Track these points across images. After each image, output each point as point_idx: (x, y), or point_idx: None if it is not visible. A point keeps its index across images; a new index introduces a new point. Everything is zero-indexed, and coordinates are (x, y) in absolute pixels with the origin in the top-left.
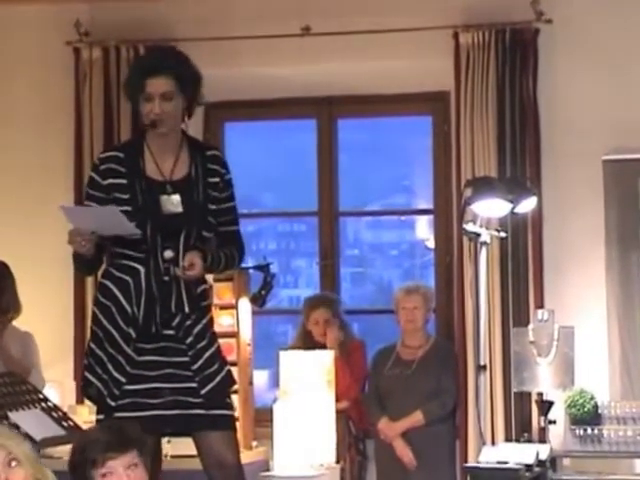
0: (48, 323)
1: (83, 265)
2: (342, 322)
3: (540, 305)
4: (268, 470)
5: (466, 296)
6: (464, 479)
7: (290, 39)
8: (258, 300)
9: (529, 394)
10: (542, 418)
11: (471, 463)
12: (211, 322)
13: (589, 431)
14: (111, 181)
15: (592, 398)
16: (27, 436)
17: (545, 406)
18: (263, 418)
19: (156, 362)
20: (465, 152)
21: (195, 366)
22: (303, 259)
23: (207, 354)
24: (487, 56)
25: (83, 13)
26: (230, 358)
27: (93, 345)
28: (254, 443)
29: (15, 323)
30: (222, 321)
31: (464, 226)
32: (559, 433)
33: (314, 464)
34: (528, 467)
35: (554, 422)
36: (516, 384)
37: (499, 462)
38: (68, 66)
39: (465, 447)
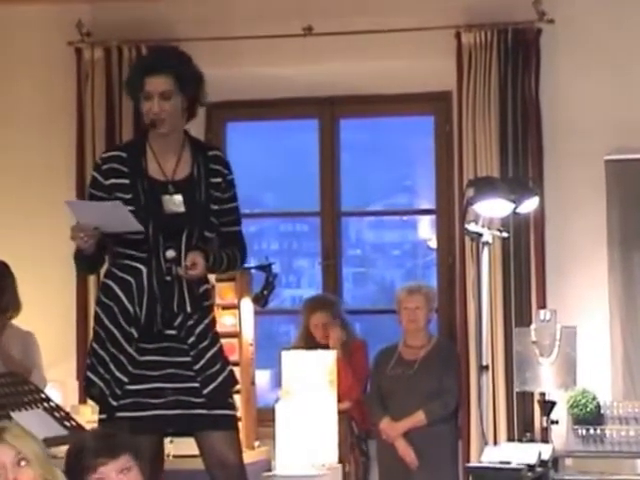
0: (50, 323)
1: (84, 263)
2: (343, 322)
3: (542, 305)
4: (270, 470)
5: (468, 296)
6: (466, 479)
7: (292, 39)
8: (260, 300)
9: (531, 394)
10: (544, 418)
11: (473, 463)
12: (213, 322)
13: (591, 431)
14: (113, 181)
15: (594, 398)
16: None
17: (547, 406)
18: (265, 418)
19: (158, 362)
20: (467, 152)
21: (197, 366)
22: (305, 259)
23: (209, 354)
24: (489, 56)
25: (85, 13)
26: (232, 358)
27: (95, 345)
28: (256, 443)
29: (17, 323)
30: (224, 321)
31: (466, 226)
32: (561, 433)
33: (316, 464)
34: (530, 467)
35: (556, 422)
36: (518, 384)
37: (501, 462)
38: (70, 66)
39: (467, 447)
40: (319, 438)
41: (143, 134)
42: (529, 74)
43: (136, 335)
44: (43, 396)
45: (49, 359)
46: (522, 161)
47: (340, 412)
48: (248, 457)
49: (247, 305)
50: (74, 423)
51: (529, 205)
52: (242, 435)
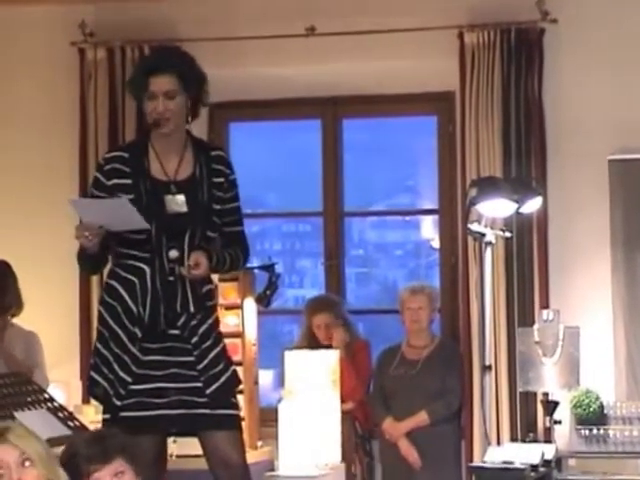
0: (54, 323)
1: (88, 263)
2: (346, 323)
3: (545, 305)
4: (273, 470)
5: (471, 296)
6: (469, 479)
7: (295, 39)
8: (263, 300)
9: (534, 394)
10: (547, 418)
11: (476, 463)
12: (217, 322)
13: (595, 431)
14: (116, 181)
15: (597, 398)
16: None
17: (550, 406)
18: (268, 418)
19: (161, 362)
20: (470, 152)
21: (200, 366)
22: (308, 259)
23: (212, 354)
24: (492, 56)
25: (88, 14)
26: (235, 358)
27: (99, 345)
28: (259, 443)
29: (20, 323)
30: (227, 321)
31: (469, 226)
32: (565, 433)
33: (319, 464)
34: (533, 467)
35: (559, 422)
36: (521, 384)
37: (504, 462)
38: (73, 66)
39: (470, 447)
40: (322, 438)
41: (145, 134)
42: (532, 74)
43: (140, 335)
44: (46, 396)
45: (52, 359)
46: (525, 161)
47: (344, 412)
48: (251, 457)
49: (250, 305)
50: (77, 423)
51: (532, 205)
52: (245, 435)
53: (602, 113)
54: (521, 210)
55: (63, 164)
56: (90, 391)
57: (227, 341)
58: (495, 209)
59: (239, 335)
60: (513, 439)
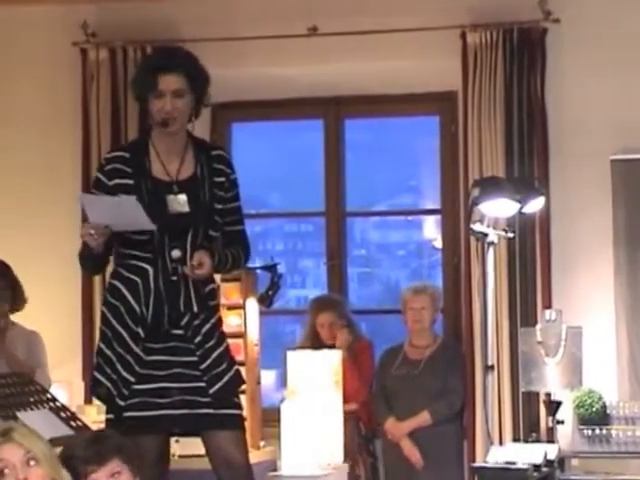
0: (56, 323)
1: (90, 263)
2: (349, 322)
3: (548, 305)
4: (275, 470)
5: (473, 296)
6: (472, 479)
7: (297, 39)
8: (265, 300)
9: (537, 394)
10: (550, 418)
11: (479, 463)
12: (220, 322)
13: (597, 431)
14: (117, 181)
15: (600, 398)
16: None
17: (553, 406)
18: (270, 418)
19: (165, 362)
20: (472, 152)
21: (203, 365)
22: (310, 259)
23: (215, 353)
24: (495, 56)
25: (90, 14)
26: (238, 358)
27: (102, 345)
28: (261, 443)
29: (22, 323)
30: (229, 321)
31: (471, 226)
32: (567, 433)
33: (322, 464)
34: (536, 467)
35: (562, 422)
36: (524, 384)
37: (507, 462)
38: (75, 67)
39: (473, 447)
40: (324, 438)
41: (146, 134)
42: (535, 74)
43: (143, 335)
44: (49, 396)
45: (55, 359)
46: (528, 161)
47: (347, 413)
48: (253, 457)
49: (252, 305)
50: (80, 423)
51: (535, 205)
52: (247, 435)
53: (605, 113)
54: (523, 210)
55: (65, 164)
56: (93, 391)
57: (229, 341)
58: (497, 209)
59: (241, 335)
60: (515, 439)
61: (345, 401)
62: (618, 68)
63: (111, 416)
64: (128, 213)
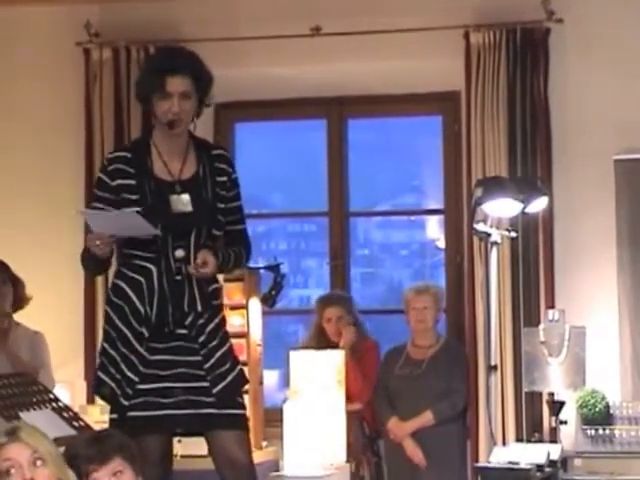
0: (58, 323)
1: (93, 265)
2: (356, 321)
3: (551, 305)
4: (278, 470)
5: (476, 296)
6: (475, 479)
7: (300, 39)
8: (268, 300)
9: (540, 394)
10: (553, 418)
11: (482, 463)
12: (223, 321)
13: (600, 431)
14: (120, 182)
15: (603, 398)
16: None
17: (556, 406)
18: (273, 418)
19: (169, 361)
20: (476, 152)
21: (207, 365)
22: (313, 259)
23: (219, 353)
24: (498, 56)
25: (93, 14)
26: (240, 358)
27: (106, 345)
28: (264, 443)
29: (26, 323)
30: (232, 321)
31: (475, 226)
32: (570, 433)
33: (324, 464)
34: (539, 467)
35: (565, 422)
36: (527, 384)
37: (510, 462)
38: (78, 67)
39: (476, 447)
40: (327, 438)
41: (148, 134)
42: (538, 74)
43: (147, 335)
44: (52, 396)
45: (57, 359)
46: (531, 161)
47: (351, 413)
48: (256, 457)
49: (255, 305)
50: (82, 423)
51: (538, 205)
52: (250, 435)
53: (608, 113)
54: (527, 210)
55: (69, 164)
56: (97, 391)
57: (232, 341)
58: (501, 209)
59: (244, 335)
60: (519, 439)
61: (349, 401)
62: (621, 68)
63: (115, 416)
64: (129, 224)
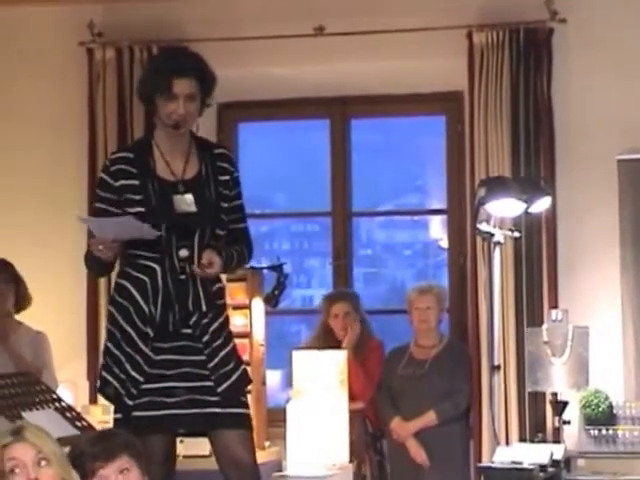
0: (61, 323)
1: (97, 267)
2: (363, 319)
3: (554, 305)
4: (281, 470)
5: (480, 296)
6: (478, 479)
7: (303, 39)
8: (271, 300)
9: (543, 394)
10: (556, 418)
11: (485, 463)
12: (227, 321)
13: (604, 431)
14: (123, 182)
15: (607, 398)
16: None
17: (559, 406)
18: (276, 418)
19: (173, 361)
20: (479, 152)
21: (211, 364)
22: (316, 259)
23: (223, 352)
24: (501, 56)
25: (96, 14)
26: (243, 358)
27: (110, 345)
28: (267, 443)
29: (28, 323)
30: (235, 321)
31: (478, 226)
32: (573, 433)
33: (327, 464)
34: (542, 467)
35: (568, 422)
36: (530, 384)
37: (513, 462)
38: (81, 67)
39: (479, 447)
40: (330, 438)
41: (149, 134)
42: (541, 74)
43: (151, 334)
44: (54, 396)
45: (60, 359)
46: (534, 161)
47: (354, 412)
48: (259, 457)
49: (258, 305)
50: (85, 423)
51: (541, 205)
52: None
53: (611, 113)
54: (530, 210)
55: (72, 164)
56: (101, 391)
57: (235, 341)
58: (504, 209)
59: (247, 335)
60: (522, 439)
61: (352, 399)
62: (625, 68)
63: (119, 416)
64: (129, 227)
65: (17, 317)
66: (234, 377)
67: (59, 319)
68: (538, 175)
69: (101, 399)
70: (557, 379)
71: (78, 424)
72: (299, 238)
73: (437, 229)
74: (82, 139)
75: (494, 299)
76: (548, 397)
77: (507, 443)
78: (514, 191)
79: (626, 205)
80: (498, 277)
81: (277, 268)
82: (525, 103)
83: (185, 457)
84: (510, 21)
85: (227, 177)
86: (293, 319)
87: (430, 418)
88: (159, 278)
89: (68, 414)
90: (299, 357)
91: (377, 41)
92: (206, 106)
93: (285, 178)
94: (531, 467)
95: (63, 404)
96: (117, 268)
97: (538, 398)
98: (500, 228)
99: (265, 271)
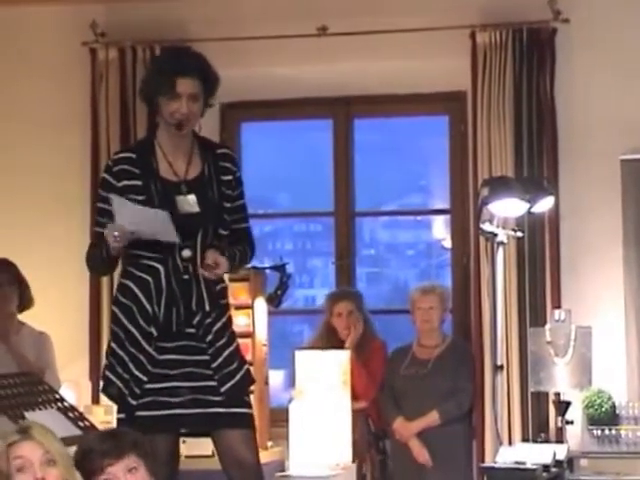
0: (63, 323)
1: (99, 264)
2: (366, 318)
3: (557, 305)
4: (283, 470)
5: (483, 296)
6: (481, 479)
7: (307, 39)
8: (274, 300)
9: (546, 394)
10: (559, 418)
11: (488, 463)
12: (230, 320)
13: (607, 431)
14: (126, 183)
15: (610, 398)
16: None
17: (562, 406)
18: (279, 418)
19: (177, 361)
20: (482, 152)
21: (215, 364)
22: (319, 259)
23: (226, 352)
24: (504, 56)
25: (99, 14)
26: (246, 358)
27: (114, 345)
28: (269, 443)
29: (31, 323)
30: (238, 321)
31: (481, 226)
32: (576, 433)
33: (330, 464)
34: (545, 467)
35: (571, 422)
36: (533, 384)
37: (516, 462)
38: (84, 67)
39: (482, 447)
40: (333, 438)
41: (152, 134)
42: (544, 74)
43: (155, 334)
44: (57, 396)
45: (62, 359)
46: (537, 161)
47: (357, 411)
48: (262, 458)
49: (261, 305)
50: (87, 423)
51: (544, 205)
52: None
53: (614, 113)
54: (533, 210)
55: (75, 164)
56: (104, 391)
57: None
58: (507, 209)
59: (249, 335)
60: (525, 439)
61: (354, 399)
62: (628, 68)
63: (123, 416)
64: (157, 225)
65: (20, 317)
66: (237, 377)
67: (62, 319)
68: (541, 175)
69: (104, 399)
70: (560, 379)
71: (81, 424)
72: (302, 238)
73: (440, 229)
74: (85, 139)
75: (497, 299)
76: (551, 397)
77: (510, 443)
78: (517, 191)
79: (629, 205)
80: (501, 277)
81: (280, 268)
82: (528, 103)
83: (187, 457)
84: (513, 21)
85: (230, 177)
86: (296, 319)
87: (433, 418)
88: (162, 278)
89: (71, 414)
90: (302, 357)
91: (380, 41)
92: (208, 106)
93: (288, 178)
94: (534, 467)
95: (66, 404)
96: (119, 268)
97: (541, 398)
98: (503, 228)
99: (268, 271)
